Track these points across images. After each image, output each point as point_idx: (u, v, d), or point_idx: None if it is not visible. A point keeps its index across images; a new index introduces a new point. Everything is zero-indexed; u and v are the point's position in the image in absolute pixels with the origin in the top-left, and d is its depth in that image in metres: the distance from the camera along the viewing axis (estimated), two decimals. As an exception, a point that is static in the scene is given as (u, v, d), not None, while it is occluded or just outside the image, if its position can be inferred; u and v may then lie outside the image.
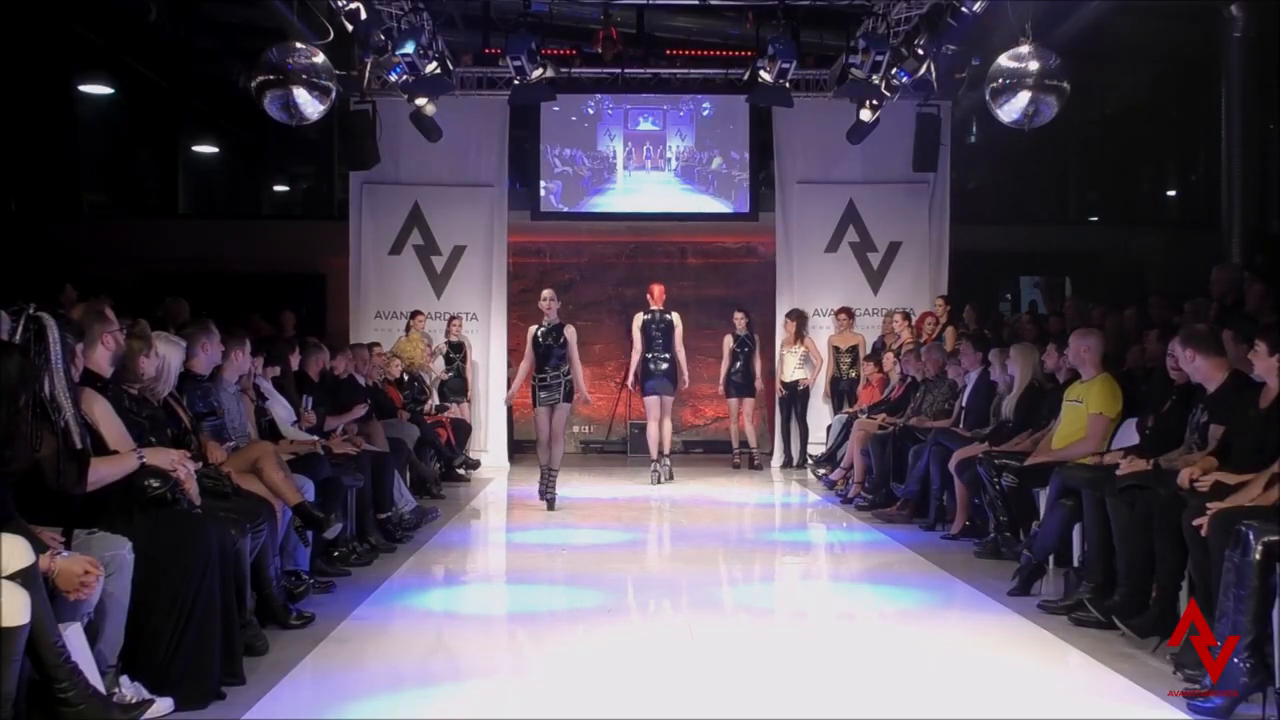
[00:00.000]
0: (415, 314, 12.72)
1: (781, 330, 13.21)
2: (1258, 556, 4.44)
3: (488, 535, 9.68)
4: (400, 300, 13.06)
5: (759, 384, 12.97)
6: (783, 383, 13.08)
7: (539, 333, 9.75)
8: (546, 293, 9.92)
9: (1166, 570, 5.29)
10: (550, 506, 9.76)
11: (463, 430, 12.40)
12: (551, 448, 9.78)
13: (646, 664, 5.27)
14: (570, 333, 9.75)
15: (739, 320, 12.97)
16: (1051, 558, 6.62)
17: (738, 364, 12.88)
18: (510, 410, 13.08)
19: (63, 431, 4.25)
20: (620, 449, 14.66)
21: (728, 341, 13.00)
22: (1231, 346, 5.79)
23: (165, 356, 5.54)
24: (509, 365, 13.15)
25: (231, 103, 14.88)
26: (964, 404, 9.11)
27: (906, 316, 12.33)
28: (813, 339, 13.15)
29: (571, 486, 10.90)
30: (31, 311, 4.28)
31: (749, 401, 13.00)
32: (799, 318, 13.06)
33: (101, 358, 4.92)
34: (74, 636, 3.96)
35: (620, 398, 14.79)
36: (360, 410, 8.98)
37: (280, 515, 5.96)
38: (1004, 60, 9.18)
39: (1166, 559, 5.28)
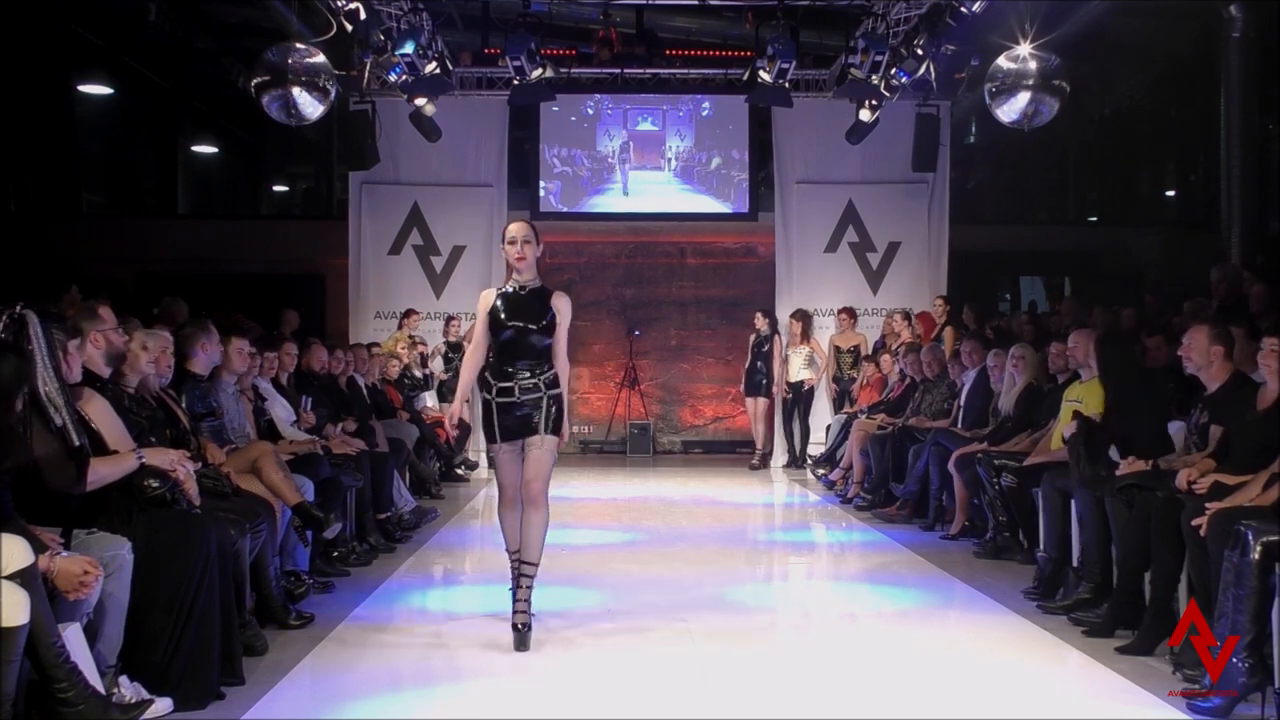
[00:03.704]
0: (407, 313, 12.72)
1: (784, 330, 13.22)
2: (1257, 556, 4.44)
3: (487, 535, 9.64)
4: (400, 300, 13.04)
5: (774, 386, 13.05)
6: (787, 383, 13.10)
7: (502, 301, 5.60)
8: (516, 229, 5.70)
9: (1163, 570, 5.29)
10: (520, 639, 5.44)
11: (462, 430, 12.39)
12: (526, 518, 5.53)
13: (646, 664, 5.27)
14: (562, 306, 5.61)
15: (759, 321, 13.09)
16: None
17: (758, 364, 13.01)
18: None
19: (59, 430, 4.26)
20: (620, 449, 14.66)
21: (751, 340, 13.21)
22: (1242, 345, 5.78)
23: (153, 350, 5.52)
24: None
25: (231, 103, 14.93)
26: (961, 402, 9.10)
27: (906, 317, 12.34)
28: (817, 339, 13.17)
29: (571, 486, 10.89)
30: (17, 311, 4.27)
31: (760, 401, 13.09)
32: (804, 318, 13.09)
33: (93, 356, 4.90)
34: (73, 637, 3.96)
35: (620, 397, 14.81)
36: (351, 425, 8.64)
37: (280, 515, 5.96)
38: (1003, 61, 9.19)
39: (1164, 559, 5.28)
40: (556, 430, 5.52)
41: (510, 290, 5.64)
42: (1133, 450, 5.89)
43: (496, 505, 5.73)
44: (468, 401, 12.66)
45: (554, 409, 5.51)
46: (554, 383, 5.53)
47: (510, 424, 5.50)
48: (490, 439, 5.59)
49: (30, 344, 4.22)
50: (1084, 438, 6.26)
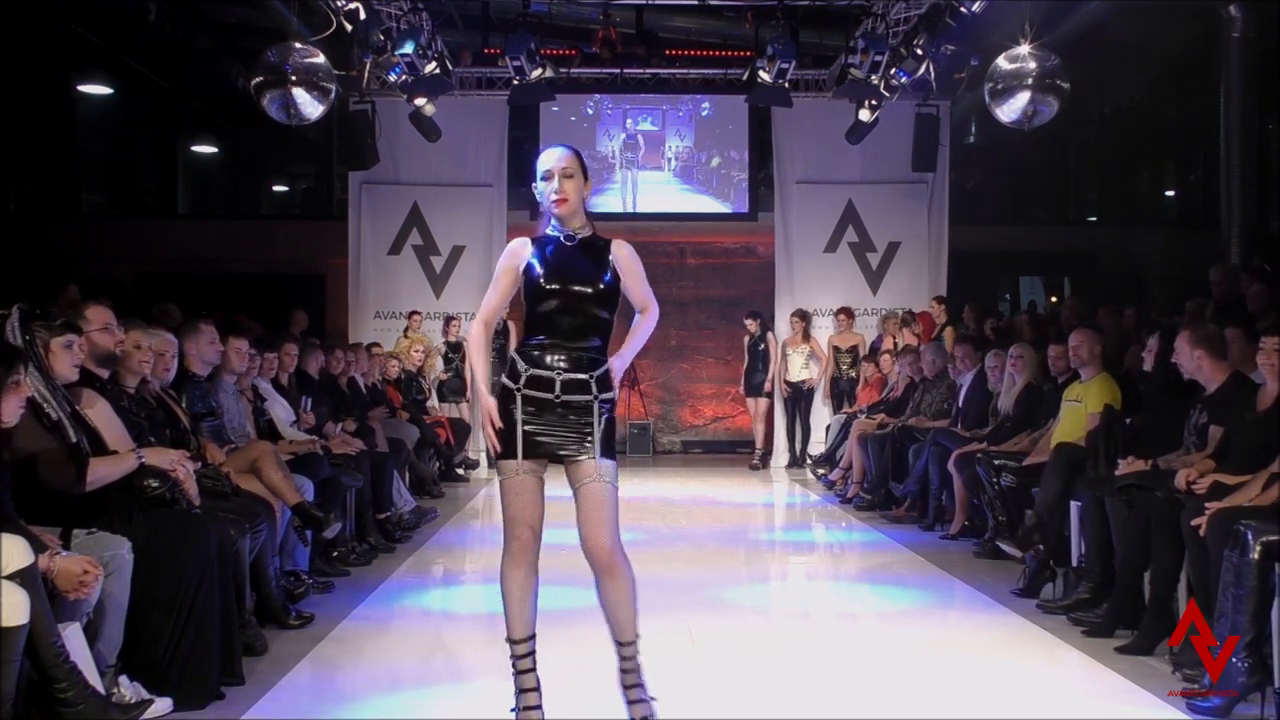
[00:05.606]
0: (411, 314, 12.74)
1: (785, 330, 13.23)
2: (1256, 556, 4.44)
3: (487, 535, 9.65)
4: (399, 300, 13.06)
5: (768, 386, 13.06)
6: (787, 382, 13.13)
7: (539, 255, 4.00)
8: (551, 157, 4.04)
9: (1163, 570, 5.29)
10: None
11: (462, 430, 12.40)
12: (606, 589, 4.06)
13: (646, 664, 5.26)
14: (624, 256, 4.10)
15: (750, 324, 13.15)
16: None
17: (757, 364, 13.09)
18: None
19: (55, 425, 4.26)
20: (620, 449, 14.64)
21: (746, 341, 13.28)
22: (1239, 345, 5.78)
23: (148, 349, 5.50)
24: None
25: (231, 103, 14.93)
26: (960, 404, 9.09)
27: (903, 321, 12.34)
28: (816, 339, 13.18)
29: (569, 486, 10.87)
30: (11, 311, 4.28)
31: (761, 401, 13.18)
32: (805, 318, 13.12)
33: (81, 357, 4.87)
34: (73, 636, 3.96)
35: (619, 397, 14.81)
36: (351, 425, 8.59)
37: (279, 515, 5.96)
38: (1003, 61, 9.19)
39: (1164, 559, 5.28)
40: (611, 451, 3.95)
41: (552, 238, 3.95)
42: (1155, 448, 5.89)
43: (500, 559, 4.01)
44: (467, 400, 12.73)
45: (606, 420, 3.93)
46: (607, 383, 3.96)
47: (540, 433, 3.87)
48: (507, 451, 3.87)
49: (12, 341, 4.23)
50: (1105, 431, 6.26)
